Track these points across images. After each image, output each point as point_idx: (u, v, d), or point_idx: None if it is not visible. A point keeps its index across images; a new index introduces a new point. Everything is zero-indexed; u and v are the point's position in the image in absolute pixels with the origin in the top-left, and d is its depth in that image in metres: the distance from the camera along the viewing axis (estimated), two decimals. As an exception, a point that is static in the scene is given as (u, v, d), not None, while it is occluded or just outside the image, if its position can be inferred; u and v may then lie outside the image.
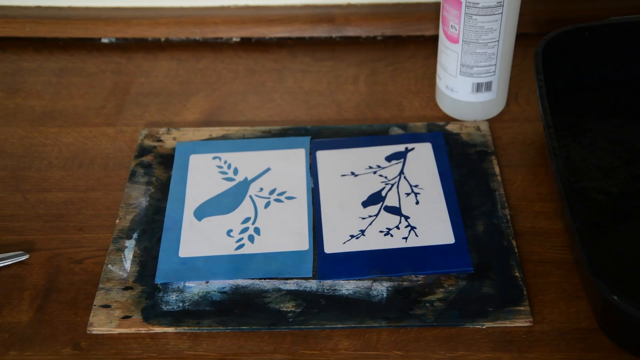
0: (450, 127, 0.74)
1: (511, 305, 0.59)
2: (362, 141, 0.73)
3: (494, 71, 0.72)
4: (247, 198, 0.68)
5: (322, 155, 0.72)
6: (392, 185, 0.69)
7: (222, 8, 0.88)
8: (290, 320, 0.59)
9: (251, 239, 0.65)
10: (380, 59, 0.84)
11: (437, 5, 0.85)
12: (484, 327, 0.58)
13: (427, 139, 0.72)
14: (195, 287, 0.61)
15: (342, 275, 0.61)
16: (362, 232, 0.65)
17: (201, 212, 0.67)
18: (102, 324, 0.59)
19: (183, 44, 0.87)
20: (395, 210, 0.66)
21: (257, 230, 0.65)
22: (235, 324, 0.59)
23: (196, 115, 0.78)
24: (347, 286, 0.61)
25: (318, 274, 0.62)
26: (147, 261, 0.64)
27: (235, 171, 0.70)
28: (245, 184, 0.69)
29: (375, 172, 0.70)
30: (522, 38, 0.80)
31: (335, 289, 0.61)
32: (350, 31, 0.86)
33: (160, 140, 0.74)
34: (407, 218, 0.66)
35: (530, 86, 0.79)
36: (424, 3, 0.87)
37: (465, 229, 0.65)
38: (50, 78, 0.84)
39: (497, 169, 0.70)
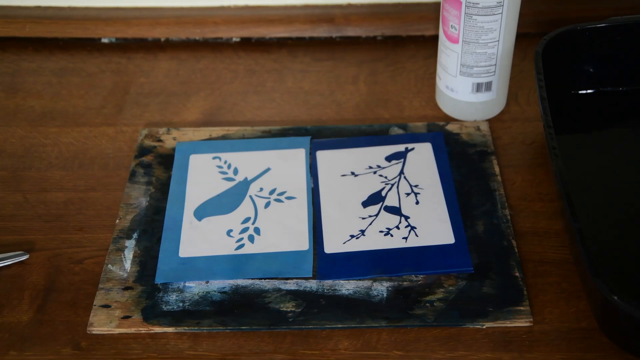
0: (450, 127, 0.74)
1: (511, 305, 0.59)
2: (362, 141, 0.73)
3: (494, 71, 0.72)
4: (247, 198, 0.68)
5: (322, 155, 0.72)
6: (392, 185, 0.69)
7: (222, 8, 0.88)
8: (290, 320, 0.59)
9: (251, 239, 0.65)
10: (380, 59, 0.84)
11: (437, 5, 0.85)
12: (484, 327, 0.58)
13: (427, 139, 0.72)
14: (195, 287, 0.61)
15: (342, 275, 0.61)
16: (362, 232, 0.65)
17: (201, 212, 0.67)
18: (102, 324, 0.59)
19: (183, 44, 0.87)
20: (395, 210, 0.66)
21: (257, 230, 0.65)
22: (235, 324, 0.59)
23: (196, 115, 0.78)
24: (347, 286, 0.61)
25: (318, 274, 0.62)
26: (147, 261, 0.64)
27: (235, 171, 0.71)
28: (245, 184, 0.69)
29: (375, 172, 0.70)
30: (522, 38, 0.80)
31: (335, 289, 0.61)
32: (350, 31, 0.86)
33: (160, 140, 0.74)
34: (407, 218, 0.66)
35: (530, 86, 0.79)
36: (424, 3, 0.87)
37: (465, 229, 0.65)
38: (50, 78, 0.84)
39: (497, 169, 0.70)
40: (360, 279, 0.61)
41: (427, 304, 0.59)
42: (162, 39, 0.88)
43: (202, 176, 0.70)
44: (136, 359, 0.58)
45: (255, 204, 0.68)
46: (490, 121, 0.75)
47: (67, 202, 0.69)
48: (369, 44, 0.87)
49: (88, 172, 0.72)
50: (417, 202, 0.67)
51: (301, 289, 0.61)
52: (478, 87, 0.72)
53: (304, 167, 0.71)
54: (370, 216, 0.66)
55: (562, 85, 0.74)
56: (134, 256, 0.64)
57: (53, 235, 0.67)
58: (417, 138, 0.73)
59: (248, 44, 0.87)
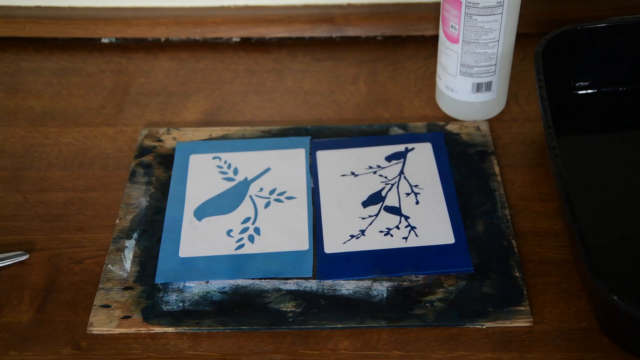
0: (450, 127, 0.74)
1: (511, 305, 0.59)
2: (362, 141, 0.73)
3: (494, 71, 0.72)
4: (247, 198, 0.68)
5: (322, 155, 0.72)
6: (392, 185, 0.69)
7: (222, 8, 0.88)
8: (290, 320, 0.59)
9: (251, 239, 0.65)
10: (380, 59, 0.84)
11: (437, 5, 0.85)
12: (484, 327, 0.58)
13: (427, 139, 0.72)
14: (195, 287, 0.61)
15: (342, 275, 0.61)
16: (362, 232, 0.65)
17: (201, 212, 0.67)
18: (102, 324, 0.59)
19: (183, 44, 0.87)
20: (395, 210, 0.66)
21: (257, 230, 0.65)
22: (235, 324, 0.59)
23: (196, 115, 0.78)
24: (347, 286, 0.61)
25: (318, 274, 0.62)
26: (147, 261, 0.64)
27: (235, 171, 0.71)
28: (245, 184, 0.69)
29: (375, 172, 0.70)
30: (522, 38, 0.80)
31: (335, 289, 0.61)
32: (350, 31, 0.86)
33: (160, 140, 0.74)
34: (407, 218, 0.66)
35: (530, 86, 0.79)
36: (424, 3, 0.87)
37: (465, 229, 0.65)
38: (50, 78, 0.84)
39: (497, 169, 0.70)
40: (360, 279, 0.61)
41: (427, 304, 0.59)
42: (162, 39, 0.88)
43: (202, 176, 0.70)
44: (136, 359, 0.58)
45: (255, 204, 0.68)
46: (490, 121, 0.75)
47: (67, 202, 0.69)
48: (369, 44, 0.87)
49: (88, 172, 0.72)
50: (417, 202, 0.67)
51: (301, 289, 0.61)
52: (478, 87, 0.72)
53: (304, 167, 0.71)
54: (370, 216, 0.66)
55: (562, 85, 0.74)
56: (134, 256, 0.64)
57: (53, 235, 0.67)
58: (417, 138, 0.73)
59: (248, 44, 0.87)
